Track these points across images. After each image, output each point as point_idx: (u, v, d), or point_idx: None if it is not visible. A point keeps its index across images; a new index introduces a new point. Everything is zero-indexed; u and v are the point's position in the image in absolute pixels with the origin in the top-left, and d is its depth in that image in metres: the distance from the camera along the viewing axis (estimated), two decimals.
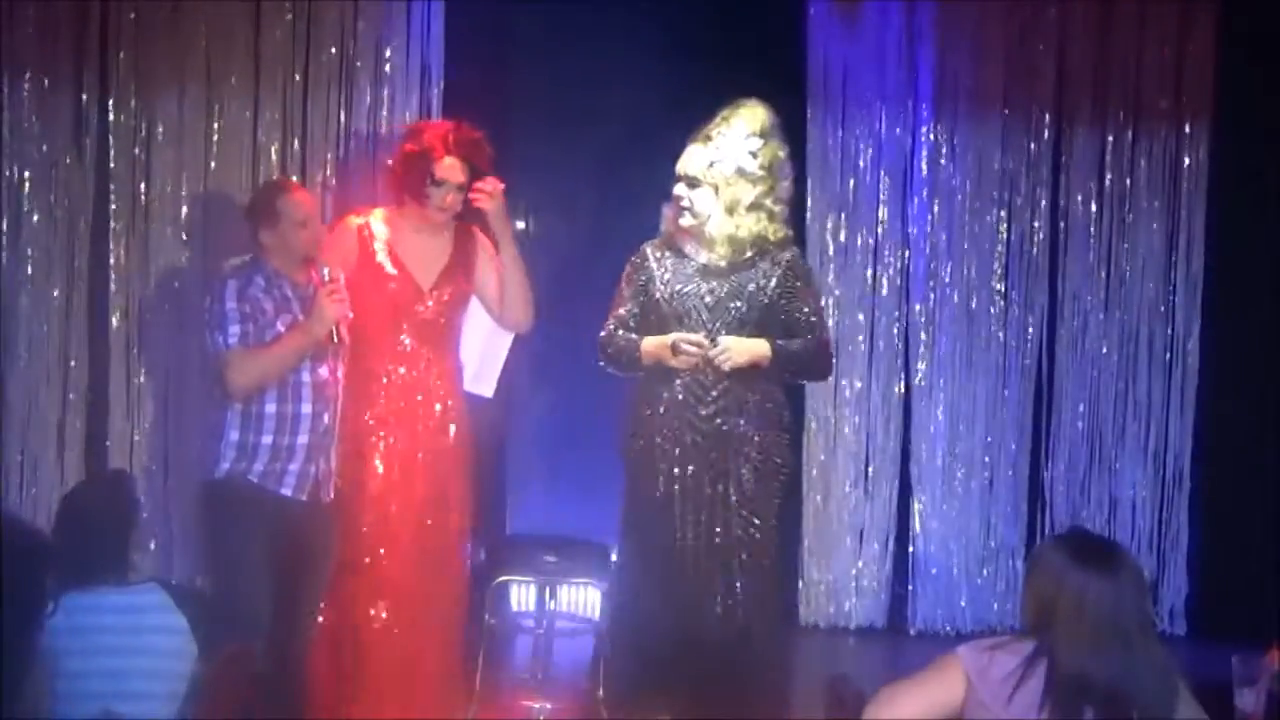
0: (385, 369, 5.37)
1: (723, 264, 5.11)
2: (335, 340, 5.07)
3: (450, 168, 5.37)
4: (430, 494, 5.38)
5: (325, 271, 5.08)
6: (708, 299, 5.10)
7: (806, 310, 5.12)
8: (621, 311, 5.21)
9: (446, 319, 5.45)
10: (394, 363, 5.38)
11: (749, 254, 5.11)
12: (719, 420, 5.04)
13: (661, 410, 5.08)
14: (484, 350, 5.65)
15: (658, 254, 5.20)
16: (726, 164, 5.06)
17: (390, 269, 5.39)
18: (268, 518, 5.01)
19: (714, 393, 5.04)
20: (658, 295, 5.15)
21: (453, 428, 5.44)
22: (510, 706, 5.51)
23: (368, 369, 5.35)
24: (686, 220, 5.10)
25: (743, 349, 5.02)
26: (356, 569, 5.31)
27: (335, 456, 5.21)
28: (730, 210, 5.08)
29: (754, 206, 5.09)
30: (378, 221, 5.46)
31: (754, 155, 5.08)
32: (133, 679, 3.96)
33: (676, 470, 5.05)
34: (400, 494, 5.35)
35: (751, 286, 5.08)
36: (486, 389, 5.68)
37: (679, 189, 5.11)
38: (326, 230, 5.41)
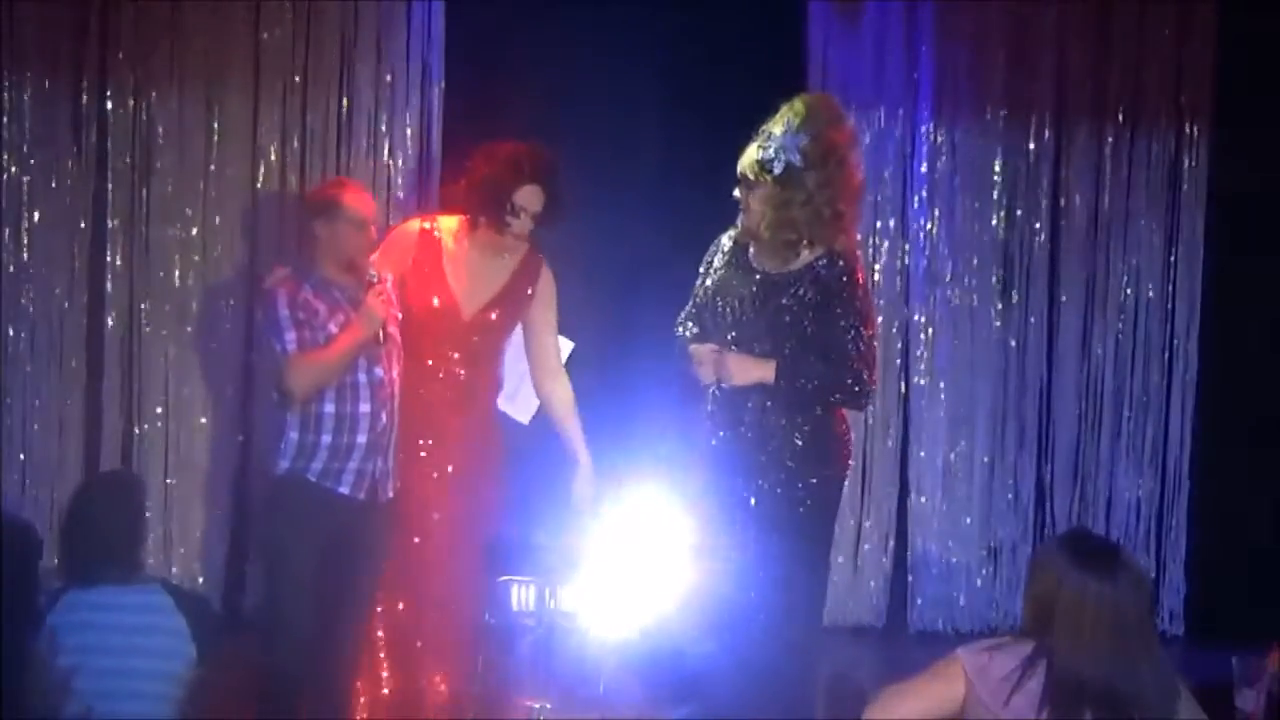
0: (425, 377, 5.36)
1: (775, 271, 4.92)
2: (383, 340, 5.12)
3: (530, 195, 5.30)
4: (462, 505, 5.38)
5: (373, 275, 5.14)
6: (736, 305, 4.95)
7: (839, 329, 4.85)
8: (690, 303, 5.13)
9: (489, 340, 5.42)
10: (434, 372, 5.37)
11: (806, 257, 4.91)
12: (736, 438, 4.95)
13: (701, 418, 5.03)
14: (525, 372, 5.56)
15: (723, 249, 5.07)
16: (776, 163, 4.86)
17: (438, 281, 5.36)
18: (325, 516, 5.09)
19: (746, 416, 4.92)
20: (704, 293, 5.06)
21: (488, 440, 5.43)
22: (510, 706, 5.50)
23: (409, 375, 5.33)
24: (742, 221, 4.96)
25: (743, 368, 4.88)
26: (395, 575, 5.35)
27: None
28: (781, 209, 4.86)
29: (807, 203, 4.86)
30: (440, 230, 5.41)
31: (804, 151, 4.85)
32: (128, 678, 3.97)
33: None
34: (434, 504, 5.37)
35: (786, 300, 4.88)
36: (522, 414, 5.60)
37: (737, 190, 4.96)
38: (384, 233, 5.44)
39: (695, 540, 4.96)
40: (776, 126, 4.93)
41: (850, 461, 5.13)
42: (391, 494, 5.25)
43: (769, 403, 4.90)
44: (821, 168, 4.88)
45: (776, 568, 4.89)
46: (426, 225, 5.45)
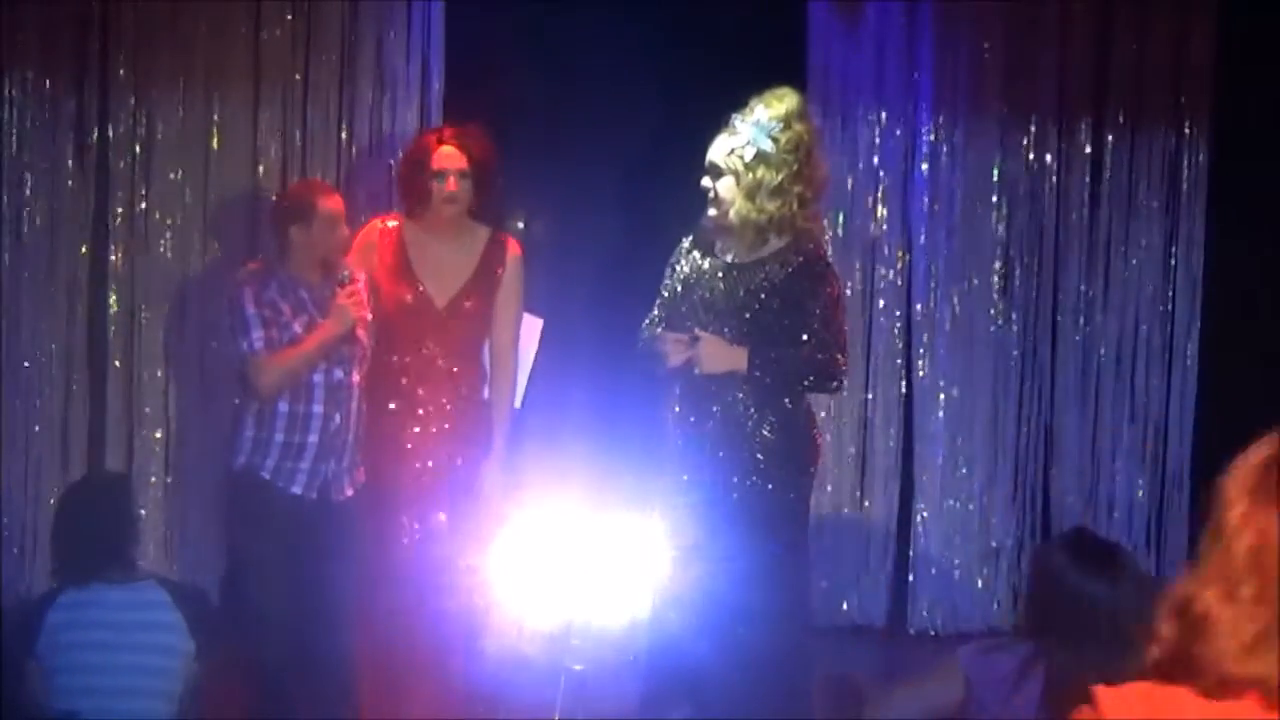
0: (403, 375, 5.37)
1: (744, 260, 4.96)
2: (353, 343, 5.13)
3: (447, 155, 5.38)
4: (440, 501, 5.38)
5: (345, 274, 5.16)
6: (706, 295, 4.97)
7: (808, 313, 4.90)
8: (655, 307, 5.14)
9: (467, 328, 5.44)
10: (412, 370, 5.38)
11: (774, 244, 4.95)
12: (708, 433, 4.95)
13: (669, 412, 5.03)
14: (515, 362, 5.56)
15: (687, 247, 5.11)
16: (747, 149, 4.90)
17: (407, 277, 5.39)
18: (278, 513, 5.14)
19: (715, 406, 4.93)
20: (670, 291, 5.08)
21: (468, 437, 5.42)
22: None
23: (387, 375, 5.36)
24: (711, 210, 4.99)
25: (715, 357, 4.89)
26: (390, 574, 5.33)
27: (360, 456, 5.28)
28: (751, 195, 4.89)
29: (778, 191, 4.89)
30: (403, 227, 5.47)
31: (775, 138, 4.90)
32: (128, 674, 3.97)
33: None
34: (414, 500, 5.36)
35: (761, 282, 4.91)
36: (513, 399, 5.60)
37: (705, 180, 5.00)
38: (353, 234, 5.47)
39: (669, 540, 4.94)
40: (746, 116, 4.98)
41: (820, 459, 5.15)
42: (351, 493, 5.25)
43: (738, 395, 4.90)
44: (791, 154, 4.92)
45: (749, 566, 4.88)
46: (390, 224, 5.50)
